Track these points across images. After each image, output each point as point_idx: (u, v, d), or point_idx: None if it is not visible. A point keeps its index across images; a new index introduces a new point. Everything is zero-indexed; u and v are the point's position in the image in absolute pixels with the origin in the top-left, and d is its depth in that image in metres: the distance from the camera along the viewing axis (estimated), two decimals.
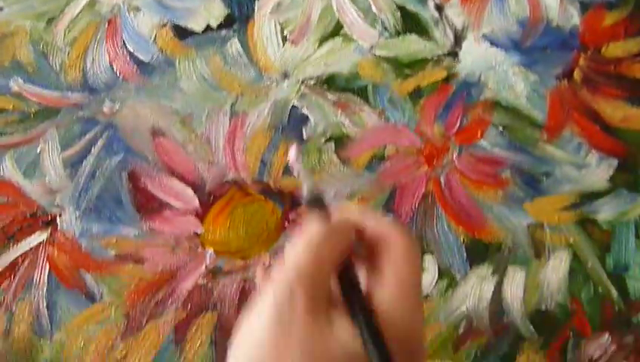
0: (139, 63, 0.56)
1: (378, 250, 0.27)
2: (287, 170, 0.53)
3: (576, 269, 0.51)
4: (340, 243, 0.26)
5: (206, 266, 0.51)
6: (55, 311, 0.50)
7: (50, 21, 0.57)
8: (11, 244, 0.52)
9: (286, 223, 0.52)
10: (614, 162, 0.53)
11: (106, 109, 0.55)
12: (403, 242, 0.27)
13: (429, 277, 0.50)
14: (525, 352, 0.49)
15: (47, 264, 0.51)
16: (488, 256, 0.51)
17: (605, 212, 0.52)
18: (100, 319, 0.50)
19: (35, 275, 0.51)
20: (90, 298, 0.50)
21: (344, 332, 0.25)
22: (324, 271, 0.25)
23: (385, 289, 0.26)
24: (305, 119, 0.54)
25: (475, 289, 0.50)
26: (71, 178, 0.53)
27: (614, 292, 0.50)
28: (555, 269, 0.50)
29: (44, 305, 0.50)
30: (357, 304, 0.26)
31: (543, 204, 0.52)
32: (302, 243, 0.26)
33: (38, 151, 0.54)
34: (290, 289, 0.24)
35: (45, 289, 0.51)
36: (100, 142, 0.54)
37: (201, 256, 0.51)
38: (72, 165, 0.53)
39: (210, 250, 0.51)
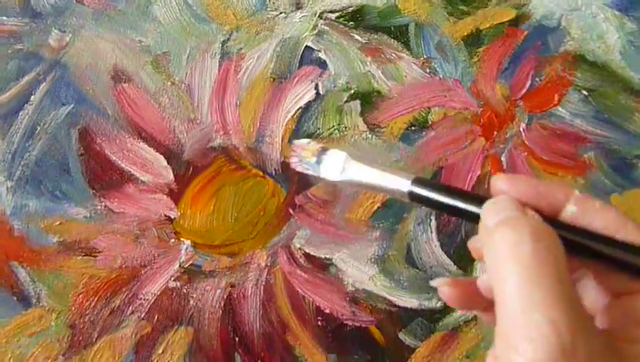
0: None
1: None
2: (295, 136, 0.40)
3: None
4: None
5: (180, 264, 0.39)
6: None
7: None
8: None
9: (291, 209, 0.40)
10: None
11: (52, 42, 0.41)
12: None
13: None
14: None
15: None
16: None
17: None
18: (36, 330, 0.38)
19: None
20: (24, 301, 0.38)
21: None
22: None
23: None
24: (322, 66, 0.41)
25: None
26: (3, 134, 0.40)
27: None
28: None
29: None
30: None
31: (637, 197, 0.41)
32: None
33: None
34: None
35: None
36: (43, 87, 0.41)
37: (174, 249, 0.39)
38: (4, 117, 0.40)
39: (186, 242, 0.39)
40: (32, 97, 0.40)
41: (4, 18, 0.41)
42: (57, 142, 0.40)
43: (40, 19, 0.41)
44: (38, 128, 0.40)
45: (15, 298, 0.38)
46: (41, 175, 0.39)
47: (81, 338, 0.38)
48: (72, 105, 0.40)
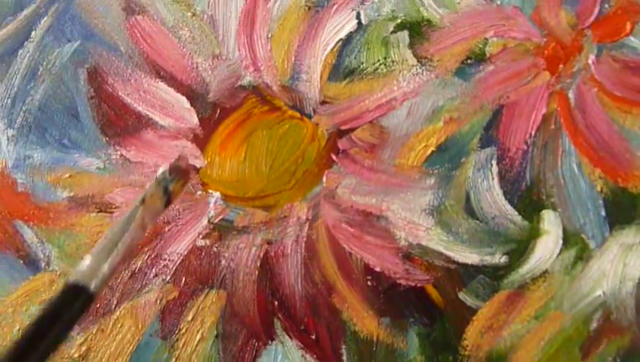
0: None
1: None
2: (335, 73, 0.37)
3: None
4: None
5: (209, 219, 0.36)
6: None
7: None
8: None
9: (333, 155, 0.36)
10: None
11: None
12: None
13: (550, 243, 0.36)
14: None
15: None
16: (637, 216, 0.36)
17: None
18: (46, 296, 0.36)
19: None
20: (32, 265, 0.36)
21: None
22: None
23: None
24: None
25: (617, 265, 0.36)
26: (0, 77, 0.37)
27: None
28: None
29: None
30: None
31: None
32: None
33: None
34: None
35: None
36: (44, 22, 0.38)
37: (201, 202, 0.36)
38: (1, 58, 0.38)
39: (215, 194, 0.36)
40: (33, 33, 0.38)
41: None
42: (63, 83, 0.37)
43: None
44: (41, 68, 0.38)
45: (22, 261, 0.36)
46: (45, 121, 0.37)
47: (98, 306, 0.35)
48: (78, 42, 0.38)
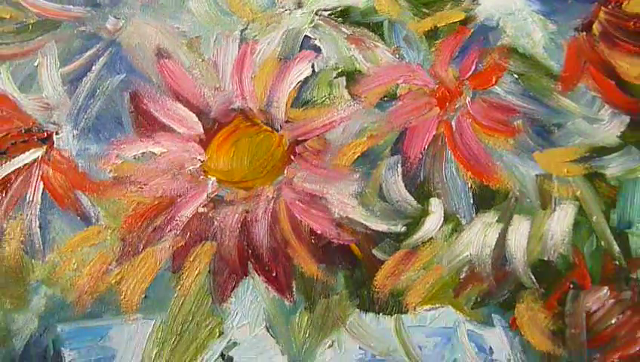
0: None
1: None
2: (296, 102, 0.50)
3: (581, 222, 0.49)
4: None
5: (207, 195, 0.48)
6: (48, 231, 0.48)
7: None
8: (4, 160, 0.49)
9: (292, 156, 0.49)
10: (626, 119, 0.51)
11: (109, 26, 0.51)
12: None
13: (435, 220, 0.49)
14: (525, 300, 0.48)
15: (42, 183, 0.48)
16: (495, 204, 0.49)
17: (613, 168, 0.51)
18: (95, 242, 0.47)
19: (29, 194, 0.48)
20: (86, 220, 0.48)
21: None
22: None
23: None
24: (317, 51, 0.51)
25: (480, 236, 0.49)
26: (69, 95, 0.49)
27: (616, 248, 0.49)
28: (560, 221, 0.49)
29: (37, 224, 0.48)
30: None
31: (553, 155, 0.50)
32: None
33: (36, 64, 0.50)
34: None
35: (39, 208, 0.48)
36: (101, 60, 0.50)
37: (202, 183, 0.49)
38: (72, 82, 0.50)
39: (212, 179, 0.49)
40: (93, 67, 0.50)
41: (71, 7, 0.52)
42: (113, 101, 0.49)
43: (99, 8, 0.52)
44: (98, 91, 0.49)
45: (79, 218, 0.48)
46: (100, 126, 0.49)
47: (129, 249, 0.47)
48: (124, 74, 0.49)
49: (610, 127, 0.51)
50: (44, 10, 0.51)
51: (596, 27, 0.53)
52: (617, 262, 0.49)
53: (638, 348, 0.48)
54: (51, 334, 0.47)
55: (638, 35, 0.54)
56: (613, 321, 0.48)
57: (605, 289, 0.49)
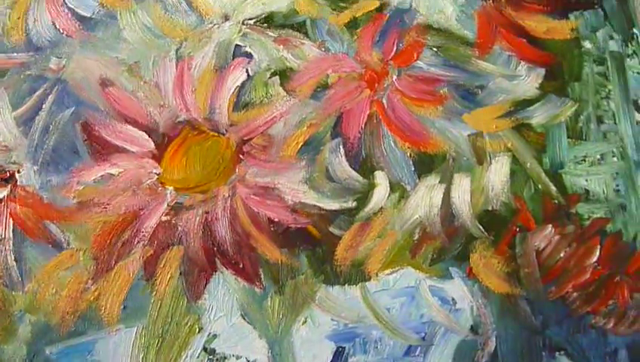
0: (81, 19, 0.55)
1: None
2: (236, 106, 0.54)
3: (517, 171, 0.53)
4: None
5: (168, 204, 0.51)
6: (24, 263, 0.50)
7: None
8: None
9: (240, 156, 0.53)
10: (542, 71, 0.55)
11: (53, 66, 0.54)
12: None
13: (382, 191, 0.52)
14: (477, 250, 0.52)
15: (11, 219, 0.51)
16: (435, 167, 0.53)
17: (538, 116, 0.55)
18: (69, 265, 0.50)
19: (0, 231, 0.51)
20: (58, 246, 0.50)
21: None
22: None
23: None
24: (249, 57, 0.55)
25: (426, 199, 0.52)
26: (25, 134, 0.52)
27: (553, 188, 0.54)
28: (497, 172, 0.53)
29: (12, 258, 0.50)
30: None
31: (481, 114, 0.54)
32: None
33: None
34: None
35: (12, 243, 0.50)
36: (50, 98, 0.53)
37: (161, 194, 0.52)
38: (25, 122, 0.53)
39: (170, 188, 0.52)
40: (44, 106, 0.52)
41: (15, 54, 0.55)
42: (66, 134, 0.52)
43: (41, 51, 0.55)
44: (51, 126, 0.52)
45: (50, 245, 0.50)
46: (57, 158, 0.52)
47: (103, 266, 0.49)
48: (73, 107, 0.52)
49: (528, 80, 0.56)
50: None
51: None
52: (556, 201, 0.53)
53: (588, 276, 0.52)
54: (41, 358, 0.49)
55: None
56: (561, 255, 0.52)
57: (549, 228, 0.52)
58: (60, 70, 0.54)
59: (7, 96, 0.53)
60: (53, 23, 0.56)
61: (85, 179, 0.52)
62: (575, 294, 0.52)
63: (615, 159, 0.55)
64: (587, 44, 0.57)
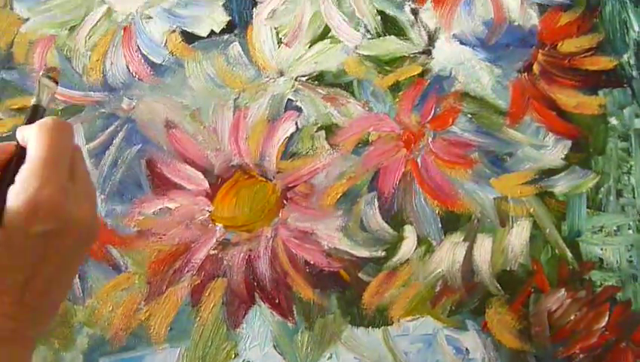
0: (152, 65, 0.62)
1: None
2: (284, 155, 0.59)
3: (536, 235, 0.57)
4: None
5: (216, 239, 0.56)
6: (86, 281, 0.55)
7: (73, 29, 0.63)
8: None
9: (284, 201, 0.57)
10: (568, 143, 0.59)
11: (124, 106, 0.60)
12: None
13: (410, 244, 0.56)
14: (493, 306, 0.55)
15: None
16: (460, 226, 0.57)
17: (561, 186, 0.58)
18: (125, 286, 0.55)
19: None
20: (117, 269, 0.55)
21: None
22: None
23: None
24: (299, 110, 0.60)
25: (449, 254, 0.56)
26: (96, 166, 0.58)
27: (569, 254, 0.57)
28: (518, 235, 0.57)
29: (77, 276, 0.56)
30: None
31: (507, 180, 0.58)
32: None
33: None
34: None
35: None
36: (120, 135, 0.59)
37: (212, 230, 0.57)
38: (97, 155, 0.58)
39: (219, 225, 0.56)
40: (114, 141, 0.58)
41: (92, 93, 0.62)
42: (132, 168, 0.58)
43: (115, 91, 0.61)
44: (119, 161, 0.58)
45: (111, 267, 0.55)
46: (123, 190, 0.57)
47: (155, 290, 0.54)
48: (140, 145, 0.58)
49: (554, 151, 0.60)
50: (70, 98, 0.61)
51: (536, 67, 0.62)
52: (571, 267, 0.57)
53: (595, 339, 0.55)
54: None
55: (572, 71, 0.63)
56: (572, 318, 0.55)
57: (562, 291, 0.56)
58: (131, 110, 0.60)
59: (83, 130, 0.59)
60: (128, 67, 0.62)
61: (146, 211, 0.57)
62: (582, 356, 0.54)
63: (631, 231, 0.58)
64: (613, 120, 0.61)
